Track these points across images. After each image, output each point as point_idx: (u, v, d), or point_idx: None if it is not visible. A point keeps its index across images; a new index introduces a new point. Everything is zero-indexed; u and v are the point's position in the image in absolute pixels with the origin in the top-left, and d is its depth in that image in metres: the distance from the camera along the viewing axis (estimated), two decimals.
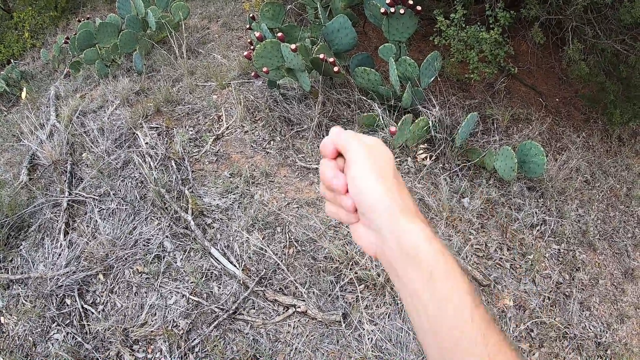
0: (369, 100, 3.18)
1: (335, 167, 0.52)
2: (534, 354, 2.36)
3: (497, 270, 2.60)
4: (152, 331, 2.26)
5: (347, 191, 0.51)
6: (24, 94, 4.61)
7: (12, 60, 5.96)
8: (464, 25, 3.23)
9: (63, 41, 4.84)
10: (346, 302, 2.30)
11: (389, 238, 0.47)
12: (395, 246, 0.46)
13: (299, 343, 2.19)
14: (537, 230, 2.89)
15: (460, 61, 3.41)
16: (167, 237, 2.59)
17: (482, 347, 0.42)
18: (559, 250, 2.88)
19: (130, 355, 2.21)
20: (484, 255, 2.65)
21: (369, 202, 0.48)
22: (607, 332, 2.63)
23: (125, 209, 2.77)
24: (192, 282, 2.40)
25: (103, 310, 2.40)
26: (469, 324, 0.42)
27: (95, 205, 2.85)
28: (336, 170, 0.52)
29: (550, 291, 2.64)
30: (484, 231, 2.77)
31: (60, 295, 2.44)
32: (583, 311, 2.66)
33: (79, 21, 4.61)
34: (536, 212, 2.95)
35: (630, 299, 2.89)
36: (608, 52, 3.43)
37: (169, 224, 2.63)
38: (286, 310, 2.28)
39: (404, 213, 0.47)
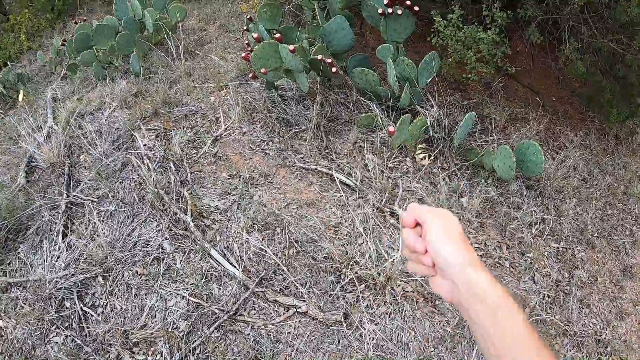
0: (367, 101, 3.19)
1: (415, 234, 0.68)
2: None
3: (497, 269, 2.61)
4: (152, 333, 2.25)
5: (426, 251, 0.65)
6: (20, 97, 4.59)
7: (8, 63, 5.94)
8: (461, 25, 3.24)
9: (60, 43, 4.82)
10: (347, 302, 2.30)
11: (461, 286, 0.60)
12: (466, 292, 0.60)
13: (300, 343, 2.18)
14: (536, 229, 2.91)
15: (457, 61, 3.42)
16: (166, 238, 2.58)
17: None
18: (558, 248, 2.90)
19: (130, 357, 2.20)
20: (483, 254, 2.65)
21: (444, 260, 0.62)
22: (606, 329, 2.64)
23: (124, 210, 2.76)
24: (192, 284, 2.39)
25: (103, 312, 2.39)
26: (527, 345, 0.56)
27: (93, 207, 2.83)
28: (417, 237, 0.67)
29: (550, 289, 2.65)
30: (483, 230, 2.77)
31: (59, 298, 2.42)
32: (582, 309, 2.67)
33: (76, 23, 4.59)
34: (535, 211, 2.96)
35: (629, 296, 2.90)
36: (604, 51, 3.45)
37: (168, 226, 2.62)
38: (287, 311, 2.28)
39: (472, 266, 0.61)
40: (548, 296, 2.62)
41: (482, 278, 0.59)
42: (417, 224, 0.69)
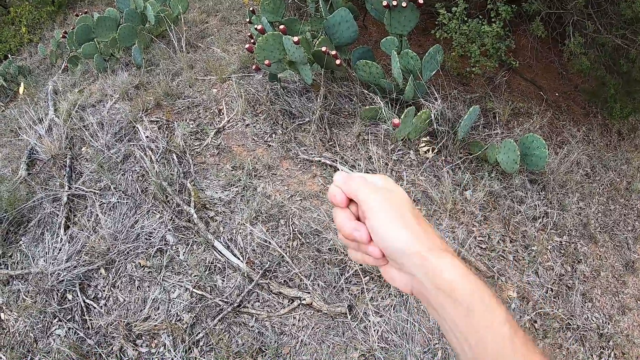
0: (370, 94, 3.17)
1: (351, 216, 0.53)
2: (538, 345, 2.37)
3: (500, 262, 2.60)
4: (155, 325, 2.24)
5: (370, 240, 0.51)
6: (21, 89, 4.56)
7: (9, 56, 5.90)
8: (465, 18, 3.22)
9: (61, 35, 4.79)
10: (351, 294, 2.29)
11: (424, 279, 0.48)
12: (431, 286, 0.47)
13: (304, 335, 2.18)
14: (540, 223, 2.90)
15: (461, 55, 3.41)
16: (169, 230, 2.57)
17: None
18: (561, 242, 2.89)
19: (133, 349, 2.19)
20: (487, 247, 2.65)
21: (396, 249, 0.49)
22: (609, 323, 2.64)
23: (127, 202, 2.75)
24: (195, 276, 2.38)
25: (105, 304, 2.38)
26: (510, 352, 0.45)
27: (95, 199, 2.82)
28: (355, 222, 0.52)
29: (553, 283, 2.65)
30: (486, 223, 2.77)
31: (62, 290, 2.41)
32: (585, 303, 2.67)
33: (77, 15, 4.56)
34: (538, 205, 2.96)
35: (631, 291, 2.90)
36: (608, 46, 3.44)
37: (171, 217, 2.61)
38: (291, 303, 2.28)
39: (433, 252, 0.47)
40: (551, 290, 2.61)
41: (448, 268, 0.47)
42: (351, 201, 0.53)
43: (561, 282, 2.69)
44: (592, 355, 2.47)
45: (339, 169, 2.81)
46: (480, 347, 0.45)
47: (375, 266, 0.55)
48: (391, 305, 2.26)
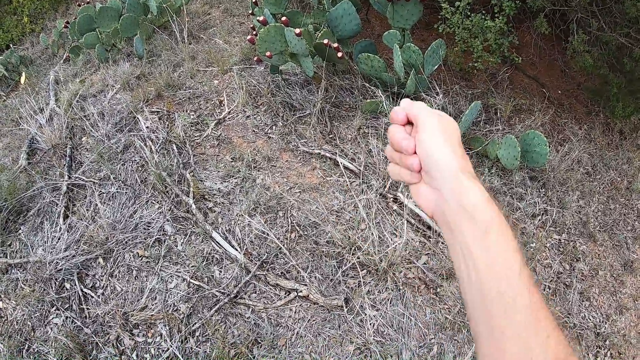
0: (372, 87, 3.16)
1: (404, 131, 0.57)
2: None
3: None
4: (152, 315, 2.25)
5: (415, 153, 0.55)
6: (23, 79, 4.56)
7: (11, 45, 5.90)
8: (468, 13, 3.20)
9: (63, 25, 4.78)
10: (348, 287, 2.29)
11: (449, 196, 0.51)
12: (454, 202, 0.51)
13: (300, 327, 2.18)
14: (539, 220, 2.89)
15: (463, 50, 3.39)
16: (167, 220, 2.57)
17: (527, 299, 0.45)
18: (560, 240, 2.89)
19: (130, 339, 2.20)
20: None
21: (436, 162, 0.53)
22: (606, 322, 2.64)
23: (126, 192, 2.75)
24: (193, 266, 2.39)
25: (103, 294, 2.39)
26: (517, 277, 0.46)
27: (95, 189, 2.82)
28: (405, 134, 0.57)
29: (551, 280, 2.65)
30: None
31: (60, 279, 2.41)
32: (583, 301, 2.67)
33: (79, 5, 4.55)
34: (538, 202, 2.95)
35: (629, 290, 2.90)
36: (612, 44, 3.41)
37: (170, 208, 2.61)
38: (288, 295, 2.28)
39: (465, 174, 0.51)
40: (549, 287, 2.61)
41: (476, 191, 0.49)
42: (409, 123, 0.58)
43: (559, 280, 2.68)
44: (588, 354, 2.47)
45: (338, 162, 2.81)
46: (489, 270, 0.47)
47: (408, 184, 0.58)
48: (388, 299, 2.26)
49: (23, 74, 4.68)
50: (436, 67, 3.05)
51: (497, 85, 3.82)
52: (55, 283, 2.40)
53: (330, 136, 3.04)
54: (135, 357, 2.15)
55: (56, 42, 5.01)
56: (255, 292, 2.31)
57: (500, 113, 3.47)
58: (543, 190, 3.07)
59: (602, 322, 2.64)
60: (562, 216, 2.98)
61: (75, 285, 2.40)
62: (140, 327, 2.25)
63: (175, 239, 2.51)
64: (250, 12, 3.64)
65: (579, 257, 2.86)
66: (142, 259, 2.46)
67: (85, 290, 2.39)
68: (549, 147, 2.73)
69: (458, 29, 3.22)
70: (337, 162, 2.81)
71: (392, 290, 2.29)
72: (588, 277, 2.81)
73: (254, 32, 3.20)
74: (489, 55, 3.23)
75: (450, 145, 0.53)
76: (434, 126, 0.54)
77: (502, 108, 3.50)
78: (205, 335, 2.19)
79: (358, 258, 2.35)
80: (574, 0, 3.33)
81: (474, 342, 0.50)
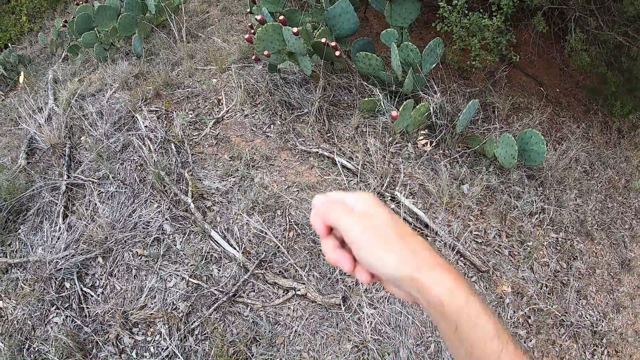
0: (369, 86, 3.16)
1: (335, 245, 0.53)
2: (531, 341, 2.39)
3: (495, 256, 2.61)
4: (151, 314, 2.26)
5: (355, 264, 0.52)
6: (21, 78, 4.56)
7: (9, 45, 5.89)
8: (466, 12, 3.20)
9: (61, 25, 4.78)
10: (346, 286, 2.31)
11: (418, 296, 0.49)
12: (424, 302, 0.48)
13: (298, 326, 2.19)
14: (536, 219, 2.90)
15: (461, 49, 3.39)
16: (166, 219, 2.58)
17: None
18: (557, 238, 2.90)
19: (129, 337, 2.21)
20: (483, 241, 2.65)
21: (386, 275, 0.49)
22: (603, 321, 2.65)
23: (125, 192, 2.76)
24: (191, 265, 2.40)
25: (102, 293, 2.40)
26: None
27: (94, 188, 2.83)
28: (339, 251, 0.52)
29: (548, 279, 2.66)
30: (483, 218, 2.77)
31: (60, 278, 2.43)
32: (580, 300, 2.68)
33: (77, 4, 4.55)
34: (535, 201, 2.96)
35: (627, 289, 2.91)
36: (610, 43, 3.42)
37: (169, 207, 2.62)
38: (286, 293, 2.29)
39: (422, 270, 0.47)
40: (546, 286, 2.62)
41: (437, 283, 0.47)
42: (332, 229, 0.53)
43: (556, 279, 2.70)
44: (585, 352, 2.48)
45: (336, 161, 2.82)
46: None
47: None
48: (385, 298, 2.27)
49: (22, 73, 4.68)
50: (434, 65, 3.05)
51: (495, 84, 3.83)
52: (55, 282, 2.42)
53: (328, 135, 3.04)
54: (134, 356, 2.17)
55: (54, 41, 5.01)
56: (254, 291, 2.32)
57: (498, 111, 3.48)
58: (541, 188, 3.08)
59: (599, 320, 2.65)
60: (560, 215, 2.99)
61: (75, 284, 2.41)
62: (139, 326, 2.26)
63: (174, 238, 2.52)
64: (248, 10, 3.64)
65: (577, 256, 2.87)
66: (141, 258, 2.47)
67: (85, 289, 2.41)
68: (547, 145, 2.74)
69: (456, 28, 3.22)
70: (335, 160, 2.82)
71: None
72: (585, 275, 2.82)
73: (252, 31, 3.20)
74: (487, 54, 3.24)
75: (390, 250, 0.48)
76: (362, 237, 0.49)
77: (500, 106, 3.51)
78: (204, 334, 2.20)
79: None
80: None
81: None
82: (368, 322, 2.19)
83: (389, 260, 0.48)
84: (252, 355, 2.13)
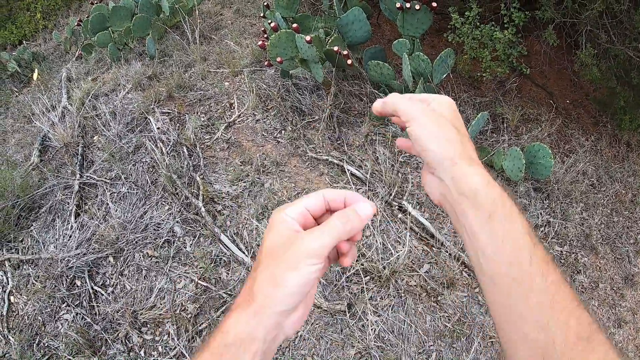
0: (380, 94, 3.19)
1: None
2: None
3: None
4: (160, 314, 2.30)
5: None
6: (35, 75, 4.63)
7: (23, 42, 5.96)
8: (478, 23, 3.22)
9: (75, 23, 4.83)
10: (351, 293, 2.34)
11: (450, 184, 0.50)
12: (455, 192, 0.49)
13: (303, 330, 2.23)
14: (541, 231, 2.92)
15: (472, 58, 3.41)
16: (177, 222, 2.63)
17: (542, 283, 0.44)
18: (562, 252, 2.91)
19: (138, 337, 2.26)
20: None
21: (432, 153, 0.51)
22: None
23: (136, 193, 2.81)
24: (201, 267, 2.44)
25: (113, 292, 2.45)
26: (528, 261, 0.44)
27: (106, 188, 2.88)
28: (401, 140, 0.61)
29: None
30: None
31: (71, 276, 2.48)
32: None
33: (92, 4, 4.60)
34: (541, 213, 2.98)
35: (629, 304, 2.92)
36: (621, 58, 3.42)
37: (180, 209, 2.67)
38: None
39: (464, 159, 0.50)
40: None
41: (476, 175, 0.48)
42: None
43: None
44: None
45: (345, 169, 2.85)
46: (498, 257, 0.46)
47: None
48: (389, 306, 2.31)
49: (35, 70, 4.74)
50: (444, 76, 3.07)
51: (506, 94, 3.84)
52: (66, 280, 2.47)
53: (338, 142, 3.08)
54: (143, 354, 2.21)
55: (68, 39, 5.07)
56: None
57: (507, 122, 3.49)
58: (547, 201, 3.10)
59: None
60: (565, 228, 3.00)
61: (85, 282, 2.46)
62: (148, 326, 2.30)
63: (184, 240, 2.57)
64: (262, 14, 3.68)
65: (580, 269, 2.88)
66: (151, 259, 2.51)
67: (95, 287, 2.46)
68: (555, 158, 2.76)
69: (467, 39, 3.24)
70: (345, 168, 2.85)
71: (394, 297, 2.33)
72: (588, 289, 2.84)
73: (265, 36, 3.24)
74: (498, 65, 3.26)
75: (444, 131, 0.52)
76: (419, 116, 0.53)
77: (510, 117, 3.52)
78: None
79: (362, 265, 2.39)
80: (584, 12, 3.34)
81: (495, 327, 0.50)
82: (372, 329, 2.23)
83: (440, 140, 0.51)
84: None
